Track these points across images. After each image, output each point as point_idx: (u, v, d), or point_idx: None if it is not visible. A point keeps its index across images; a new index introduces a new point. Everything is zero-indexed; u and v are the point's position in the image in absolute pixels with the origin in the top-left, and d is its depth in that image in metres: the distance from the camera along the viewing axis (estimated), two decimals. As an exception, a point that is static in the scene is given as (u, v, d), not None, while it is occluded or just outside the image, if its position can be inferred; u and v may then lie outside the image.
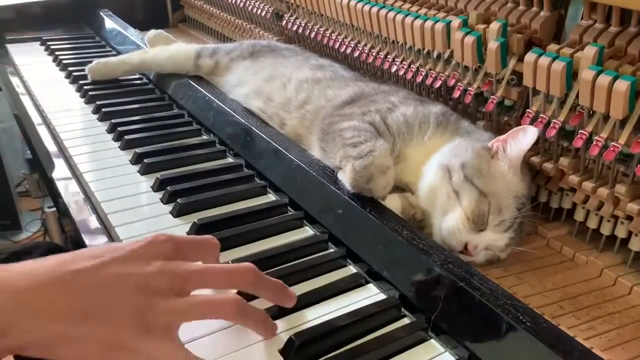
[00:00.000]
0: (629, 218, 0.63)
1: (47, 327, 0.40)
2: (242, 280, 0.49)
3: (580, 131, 0.64)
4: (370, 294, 0.58)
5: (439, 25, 0.77)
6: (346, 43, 0.97)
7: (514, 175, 0.66)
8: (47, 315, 0.40)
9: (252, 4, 1.21)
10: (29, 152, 2.10)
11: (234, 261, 0.60)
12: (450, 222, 0.63)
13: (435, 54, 0.81)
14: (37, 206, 2.27)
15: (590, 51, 0.61)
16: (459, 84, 0.78)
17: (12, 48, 1.31)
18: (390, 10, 0.85)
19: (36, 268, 0.42)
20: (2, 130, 2.16)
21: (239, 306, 0.47)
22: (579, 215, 0.69)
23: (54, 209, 2.06)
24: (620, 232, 0.65)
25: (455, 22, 0.75)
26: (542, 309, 0.58)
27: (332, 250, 0.64)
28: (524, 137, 0.65)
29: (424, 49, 0.82)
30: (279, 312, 0.54)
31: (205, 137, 0.91)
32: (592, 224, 0.67)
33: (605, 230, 0.66)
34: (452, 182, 0.65)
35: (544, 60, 0.64)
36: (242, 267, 0.50)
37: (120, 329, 0.42)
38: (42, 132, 0.95)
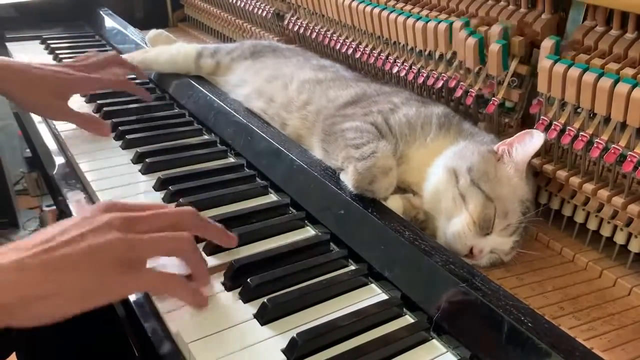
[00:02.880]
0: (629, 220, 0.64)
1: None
2: (186, 222, 0.55)
3: (581, 134, 0.64)
4: (372, 294, 0.58)
5: (441, 27, 0.77)
6: (347, 44, 0.97)
7: (520, 180, 0.66)
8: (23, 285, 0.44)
9: (253, 4, 1.21)
10: (27, 150, 2.10)
11: (235, 261, 0.60)
12: (456, 226, 0.64)
13: (436, 56, 0.82)
14: (35, 204, 2.26)
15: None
16: (460, 84, 0.78)
17: (12, 46, 1.31)
18: (391, 12, 0.85)
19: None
20: (0, 129, 2.16)
21: (192, 241, 0.54)
22: (579, 217, 0.69)
23: (52, 207, 2.07)
24: (620, 234, 0.65)
25: (458, 23, 0.75)
26: (542, 310, 0.59)
27: (333, 250, 0.65)
28: (530, 141, 0.65)
29: (425, 50, 0.82)
30: (281, 312, 0.54)
31: (206, 136, 0.91)
32: (592, 225, 0.68)
33: (606, 232, 0.66)
34: (458, 185, 0.65)
35: (545, 63, 0.64)
36: (185, 209, 0.57)
37: (97, 271, 0.47)
38: (43, 130, 0.95)
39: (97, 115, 0.96)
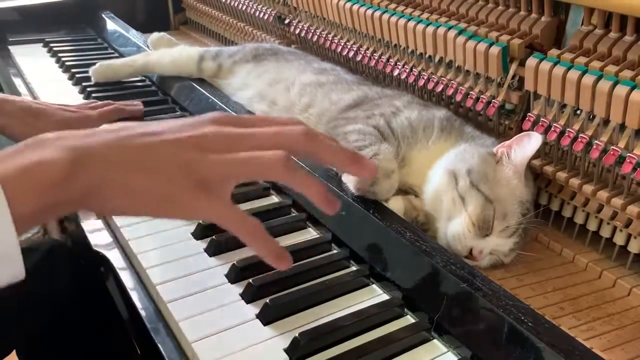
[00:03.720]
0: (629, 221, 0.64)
1: (107, 173, 0.41)
2: (293, 140, 0.46)
3: (580, 135, 0.65)
4: (373, 295, 0.59)
5: (442, 30, 0.78)
6: (348, 47, 0.98)
7: (519, 181, 0.67)
8: (106, 164, 0.41)
9: (255, 7, 1.22)
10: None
11: (238, 262, 0.60)
12: (455, 228, 0.64)
13: (437, 58, 0.82)
14: (37, 207, 2.26)
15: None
16: (460, 87, 0.79)
17: (14, 49, 1.32)
18: (392, 15, 0.85)
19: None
20: (3, 131, 2.16)
21: (286, 161, 0.44)
22: (579, 218, 0.70)
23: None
24: (619, 236, 0.65)
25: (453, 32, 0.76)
26: (543, 310, 0.59)
27: (335, 251, 0.65)
28: (528, 143, 0.66)
29: (425, 53, 0.83)
30: (283, 312, 0.55)
31: (208, 139, 0.91)
32: (592, 226, 0.68)
33: (605, 233, 0.67)
34: (458, 187, 0.66)
35: (545, 65, 0.65)
36: (293, 128, 0.47)
37: (171, 182, 0.42)
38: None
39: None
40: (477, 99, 0.77)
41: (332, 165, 0.49)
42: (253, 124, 0.47)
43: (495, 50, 0.72)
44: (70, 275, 0.77)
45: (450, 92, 0.80)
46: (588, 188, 0.66)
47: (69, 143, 0.40)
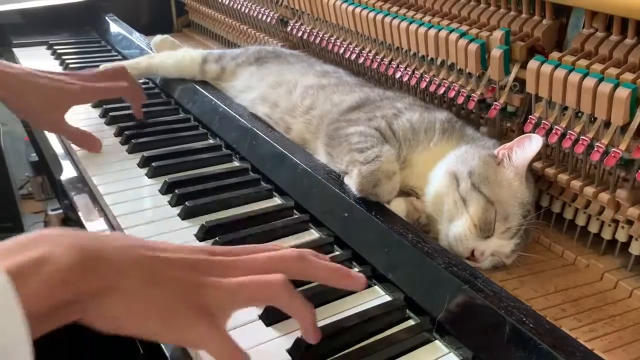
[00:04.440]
0: (629, 222, 0.64)
1: (119, 277, 0.41)
2: (287, 263, 0.48)
3: (581, 137, 0.65)
4: (375, 296, 0.59)
5: (443, 32, 0.78)
6: (350, 49, 0.98)
7: (520, 183, 0.67)
8: (117, 268, 0.41)
9: (257, 10, 1.22)
10: (33, 154, 2.11)
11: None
12: (457, 229, 0.65)
13: (438, 61, 0.83)
14: (40, 209, 2.28)
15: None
16: (462, 90, 0.79)
17: (18, 52, 1.33)
18: (394, 18, 0.86)
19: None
20: (6, 133, 2.17)
21: (286, 283, 0.46)
22: (580, 220, 0.70)
23: (58, 211, 2.08)
24: (621, 237, 0.66)
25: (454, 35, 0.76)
26: (544, 312, 0.59)
27: (337, 252, 0.65)
28: (529, 145, 0.66)
29: (427, 55, 0.83)
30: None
31: (211, 141, 0.92)
32: (593, 228, 0.68)
33: (606, 234, 0.67)
34: (459, 189, 0.66)
35: (547, 68, 0.65)
36: (285, 252, 0.49)
37: (178, 299, 0.42)
38: (50, 134, 0.96)
39: (102, 120, 0.98)
40: (479, 101, 0.78)
41: (325, 282, 0.52)
42: (239, 253, 0.49)
43: (496, 52, 0.72)
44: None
45: (452, 94, 0.80)
46: (589, 190, 0.66)
47: (77, 242, 0.40)
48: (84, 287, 0.39)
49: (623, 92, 0.59)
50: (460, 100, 0.79)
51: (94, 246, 0.41)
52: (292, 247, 0.63)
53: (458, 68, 0.79)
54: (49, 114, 0.86)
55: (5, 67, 0.85)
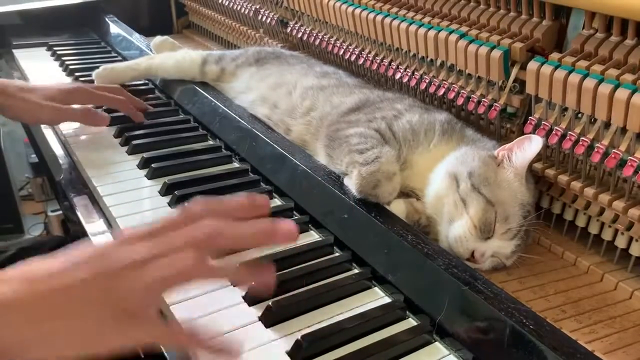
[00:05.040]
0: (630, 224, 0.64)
1: (22, 331, 0.40)
2: (203, 236, 0.45)
3: (582, 138, 0.65)
4: (375, 297, 0.59)
5: (443, 34, 0.78)
6: (350, 50, 0.98)
7: (520, 184, 0.67)
8: (23, 320, 0.40)
9: (257, 10, 1.22)
10: (32, 155, 2.11)
11: (241, 265, 0.60)
12: (457, 230, 0.64)
13: (438, 62, 0.82)
14: (40, 210, 2.28)
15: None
16: (462, 91, 0.79)
17: (18, 53, 1.33)
18: (394, 19, 0.86)
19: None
20: (6, 134, 2.17)
21: (195, 266, 0.44)
22: (580, 221, 0.70)
23: (58, 212, 2.08)
24: (621, 239, 0.66)
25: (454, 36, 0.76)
26: (544, 313, 0.59)
27: (337, 254, 0.65)
28: (529, 146, 0.66)
29: (427, 57, 0.83)
30: (285, 314, 0.55)
31: (211, 142, 0.92)
32: (593, 229, 0.68)
33: (607, 236, 0.67)
34: (459, 190, 0.66)
35: (546, 69, 0.65)
36: (198, 225, 0.46)
37: (88, 319, 0.41)
38: (49, 135, 0.96)
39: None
40: (479, 102, 0.77)
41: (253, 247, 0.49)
42: (159, 230, 0.45)
43: (496, 54, 0.72)
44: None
45: (451, 95, 0.80)
46: (589, 191, 0.66)
47: None
48: None
49: (623, 93, 0.59)
50: (460, 101, 0.79)
51: None
52: (292, 248, 0.64)
53: (458, 69, 0.79)
54: (46, 104, 0.87)
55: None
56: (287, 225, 0.47)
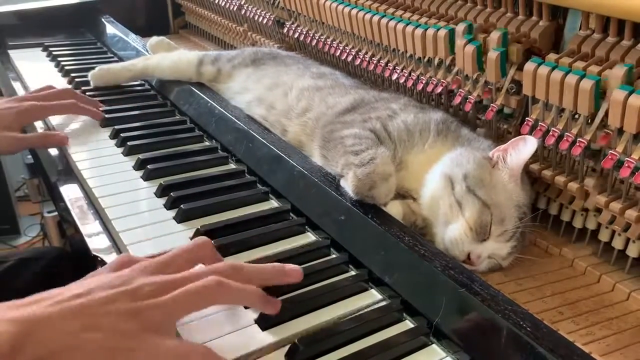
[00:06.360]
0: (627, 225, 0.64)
1: (56, 341, 0.42)
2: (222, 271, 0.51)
3: (579, 139, 0.65)
4: (372, 300, 0.59)
5: (441, 33, 0.78)
6: (347, 51, 0.98)
7: (515, 185, 0.67)
8: (52, 332, 0.42)
9: (254, 11, 1.22)
10: (28, 156, 2.10)
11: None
12: (453, 233, 0.64)
13: (436, 62, 0.82)
14: (37, 211, 2.27)
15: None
16: (459, 90, 0.79)
17: (14, 54, 1.32)
18: (390, 19, 0.86)
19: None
20: (2, 135, 2.16)
21: (218, 282, 0.49)
22: (577, 222, 0.70)
23: (54, 213, 2.07)
24: (618, 240, 0.65)
25: (460, 27, 0.76)
26: (541, 315, 0.59)
27: (334, 256, 0.65)
28: (524, 147, 0.66)
29: (424, 57, 0.83)
30: (282, 317, 0.54)
31: (207, 143, 0.92)
32: (590, 225, 0.68)
33: (604, 237, 0.67)
34: (454, 192, 0.66)
35: (543, 70, 0.65)
36: (218, 266, 0.52)
37: (116, 332, 0.44)
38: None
39: (99, 121, 0.97)
40: (476, 102, 0.77)
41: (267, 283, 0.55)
42: (174, 259, 0.52)
43: (493, 54, 0.72)
44: (73, 280, 0.77)
45: (452, 87, 0.80)
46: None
47: (9, 315, 0.41)
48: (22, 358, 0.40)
49: (620, 94, 0.59)
50: (457, 100, 0.79)
51: (26, 316, 0.42)
52: (288, 250, 0.64)
53: (456, 69, 0.79)
54: (6, 138, 0.85)
55: None
56: (295, 267, 0.56)
